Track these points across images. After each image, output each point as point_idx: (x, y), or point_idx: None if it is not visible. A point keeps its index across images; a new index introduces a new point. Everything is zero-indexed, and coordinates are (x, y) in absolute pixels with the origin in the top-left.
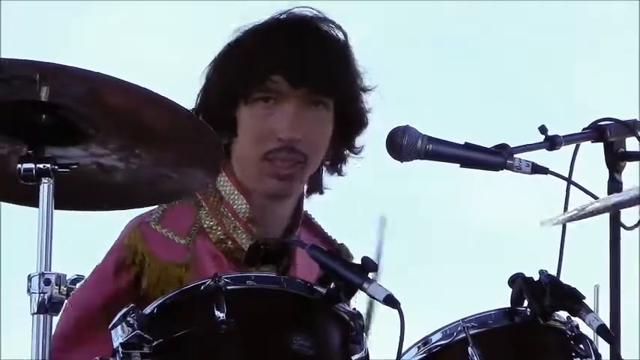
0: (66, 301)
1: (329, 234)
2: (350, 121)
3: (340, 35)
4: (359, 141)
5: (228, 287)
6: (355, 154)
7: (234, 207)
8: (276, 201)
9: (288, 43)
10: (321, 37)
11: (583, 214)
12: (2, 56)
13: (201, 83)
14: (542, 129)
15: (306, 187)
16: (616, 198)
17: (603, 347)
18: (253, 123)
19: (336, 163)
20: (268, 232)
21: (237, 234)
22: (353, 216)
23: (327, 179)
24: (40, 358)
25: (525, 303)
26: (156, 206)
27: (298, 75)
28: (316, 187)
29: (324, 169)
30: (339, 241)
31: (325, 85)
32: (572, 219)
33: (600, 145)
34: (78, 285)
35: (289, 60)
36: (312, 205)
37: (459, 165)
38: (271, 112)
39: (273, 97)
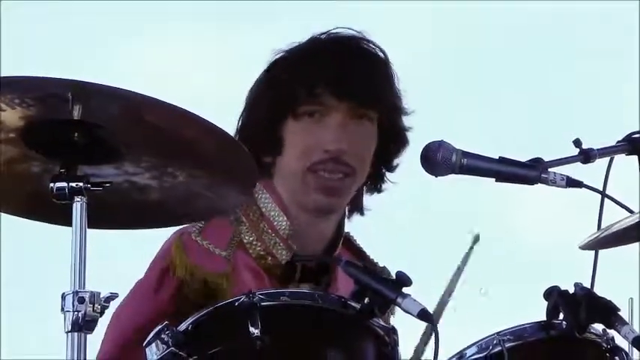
0: (108, 320)
1: (371, 256)
2: (392, 139)
3: (382, 54)
4: (397, 160)
5: (263, 303)
6: (391, 172)
7: (275, 223)
8: (321, 217)
9: (334, 57)
10: (365, 52)
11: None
12: (37, 74)
13: (244, 102)
14: (577, 142)
15: (347, 208)
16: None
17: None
18: (299, 137)
19: (375, 182)
20: (308, 250)
21: (277, 250)
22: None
23: (367, 200)
24: None
25: (561, 316)
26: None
27: (344, 87)
28: (357, 207)
29: (364, 189)
30: (381, 264)
31: (370, 98)
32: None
33: (635, 158)
34: (111, 303)
35: (335, 73)
36: (353, 226)
37: (493, 179)
38: (317, 125)
39: (319, 110)
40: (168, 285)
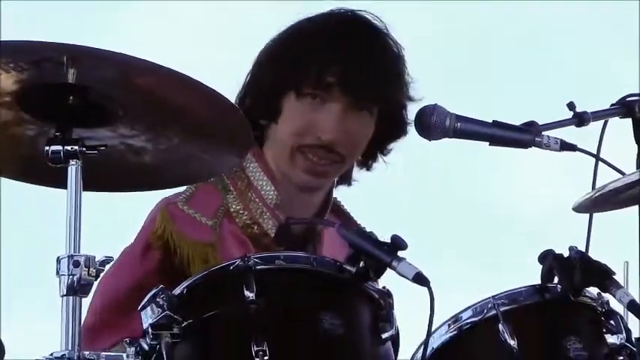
0: (95, 284)
1: (358, 222)
2: (391, 129)
3: (395, 44)
4: (392, 145)
5: (258, 267)
6: (385, 155)
7: (262, 193)
8: (306, 192)
9: (348, 47)
10: (382, 47)
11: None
12: (32, 38)
13: (252, 63)
14: (571, 105)
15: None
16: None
17: (634, 323)
18: (297, 115)
19: (367, 161)
20: (302, 217)
21: (264, 219)
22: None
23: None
24: (70, 339)
25: (556, 279)
26: (183, 188)
27: (352, 81)
28: (345, 179)
29: (355, 163)
30: (368, 229)
31: (375, 95)
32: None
33: (629, 121)
34: (107, 267)
35: (346, 65)
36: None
37: (487, 143)
38: (317, 110)
39: (321, 95)
40: (154, 253)
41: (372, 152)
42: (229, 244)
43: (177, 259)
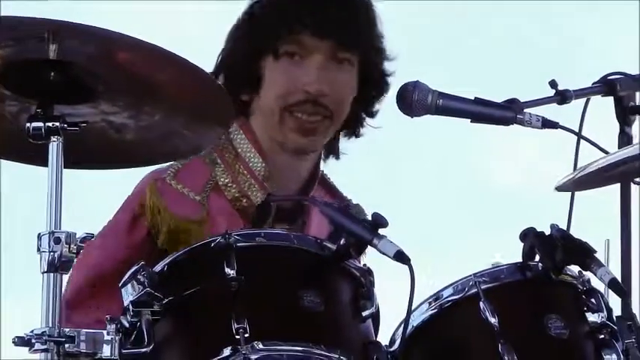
0: (75, 259)
1: (344, 194)
2: (372, 84)
3: None
4: (377, 106)
5: (239, 244)
6: (372, 117)
7: (250, 165)
8: (297, 157)
9: None
10: None
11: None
12: (14, 14)
13: (224, 41)
14: (553, 83)
15: (322, 151)
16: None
17: (615, 301)
18: (279, 77)
19: (353, 127)
20: (284, 191)
21: (252, 192)
22: (365, 174)
23: (344, 144)
24: (51, 316)
25: (537, 257)
26: (170, 163)
27: (324, 26)
28: (333, 151)
29: (342, 133)
30: (354, 201)
31: (351, 39)
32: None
33: (611, 100)
34: (88, 242)
35: (316, 13)
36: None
37: (469, 120)
38: (297, 67)
39: (299, 52)
40: (141, 227)
41: (357, 115)
42: (218, 219)
43: (161, 237)
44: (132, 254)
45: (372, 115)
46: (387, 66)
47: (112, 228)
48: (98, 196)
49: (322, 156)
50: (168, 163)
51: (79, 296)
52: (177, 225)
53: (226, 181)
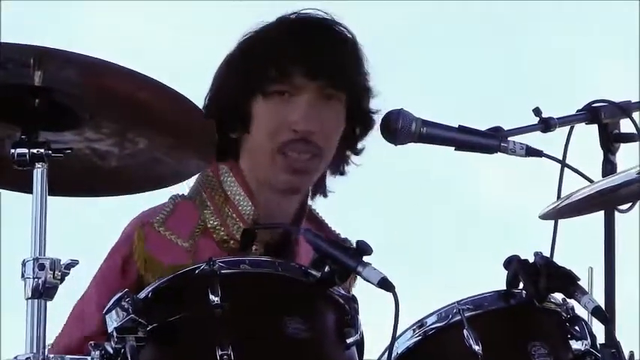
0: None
1: (333, 228)
2: (358, 121)
3: (347, 31)
4: (362, 143)
5: (223, 271)
6: (357, 155)
7: (239, 208)
8: (286, 196)
9: (304, 37)
10: (335, 34)
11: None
12: None
13: (212, 79)
14: (537, 111)
15: (310, 189)
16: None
17: (598, 328)
18: (269, 116)
19: (339, 164)
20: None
21: (240, 234)
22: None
23: (330, 181)
24: (35, 342)
25: (521, 285)
26: (161, 204)
27: (314, 67)
28: (320, 189)
29: (328, 170)
30: (342, 236)
31: (339, 78)
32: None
33: (595, 127)
34: (71, 270)
35: (306, 53)
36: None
37: (453, 148)
38: (287, 105)
39: (288, 90)
40: (132, 272)
41: (343, 152)
42: None
43: (148, 281)
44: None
45: (357, 152)
46: (373, 103)
47: (104, 273)
48: (83, 223)
49: (310, 193)
50: (159, 205)
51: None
52: (164, 273)
53: (215, 223)
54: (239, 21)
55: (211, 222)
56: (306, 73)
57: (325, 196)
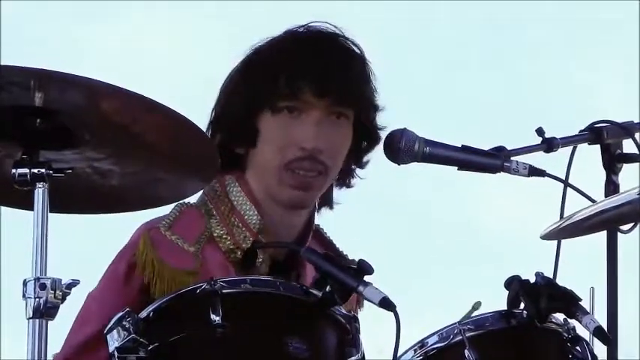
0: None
1: (340, 249)
2: (365, 137)
3: (356, 46)
4: (367, 157)
5: (224, 291)
6: (362, 168)
7: (245, 217)
8: (293, 211)
9: (314, 53)
10: (344, 50)
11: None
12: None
13: (219, 92)
14: (540, 131)
15: (316, 203)
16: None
17: (600, 349)
18: (277, 132)
19: (345, 178)
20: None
21: (247, 244)
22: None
23: (336, 194)
24: None
25: (522, 305)
26: (167, 212)
27: (325, 86)
28: (326, 201)
29: (334, 183)
30: (350, 257)
31: (349, 96)
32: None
33: (597, 148)
34: (72, 290)
35: (317, 71)
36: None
37: (456, 168)
38: (295, 122)
39: (297, 106)
40: (136, 278)
41: (349, 166)
42: (212, 271)
43: (155, 288)
44: (130, 304)
45: (362, 166)
46: (379, 118)
47: (108, 279)
48: (84, 242)
49: (316, 208)
50: (164, 213)
51: (81, 354)
52: (171, 276)
53: (221, 232)
54: (244, 39)
55: (217, 231)
56: (317, 91)
57: (331, 208)
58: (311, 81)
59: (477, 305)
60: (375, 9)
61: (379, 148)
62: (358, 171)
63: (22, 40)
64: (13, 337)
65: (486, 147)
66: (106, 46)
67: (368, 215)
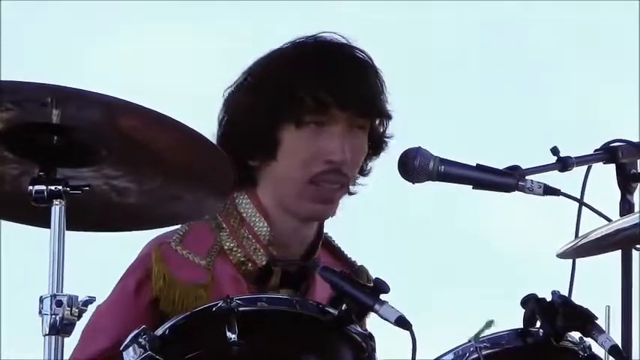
0: (83, 326)
1: (349, 256)
2: (374, 145)
3: (366, 55)
4: (371, 164)
5: (240, 309)
6: (365, 176)
7: (255, 229)
8: (306, 224)
9: (335, 66)
10: (360, 61)
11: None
12: (17, 79)
13: (230, 103)
14: (554, 150)
15: None
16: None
17: None
18: (302, 146)
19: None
20: (290, 254)
21: (257, 256)
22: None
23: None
24: None
25: (538, 324)
26: (177, 227)
27: (347, 98)
28: None
29: None
30: (358, 263)
31: (369, 109)
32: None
33: (612, 167)
34: (89, 307)
35: (340, 84)
36: (332, 228)
37: (471, 187)
38: (320, 135)
39: (322, 120)
40: (147, 292)
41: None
42: (224, 284)
43: (166, 303)
44: (140, 319)
45: (366, 173)
46: (390, 128)
47: (119, 294)
48: (100, 259)
49: None
50: (174, 227)
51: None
52: (183, 290)
53: (232, 245)
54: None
55: (228, 244)
56: (341, 104)
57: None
58: (336, 95)
59: (490, 323)
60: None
61: (392, 165)
62: (361, 179)
63: (38, 55)
64: (30, 355)
65: (501, 166)
66: (105, 62)
67: (380, 231)
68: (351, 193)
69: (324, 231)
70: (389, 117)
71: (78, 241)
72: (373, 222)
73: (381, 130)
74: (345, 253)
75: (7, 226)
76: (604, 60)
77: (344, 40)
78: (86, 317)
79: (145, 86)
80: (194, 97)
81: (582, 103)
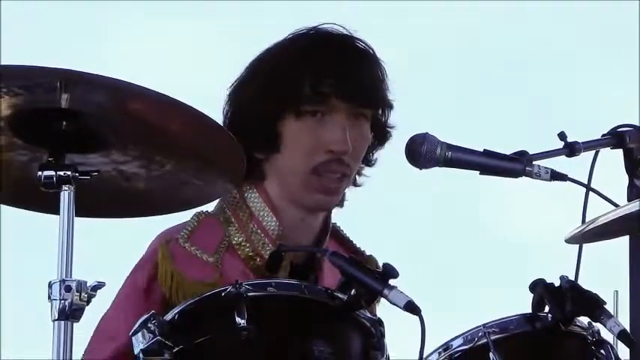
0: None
1: (357, 245)
2: (378, 135)
3: (367, 46)
4: (376, 154)
5: (249, 294)
6: (370, 166)
7: (264, 224)
8: (313, 213)
9: (335, 56)
10: (361, 51)
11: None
12: (26, 63)
13: (233, 96)
14: (562, 135)
15: None
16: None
17: (624, 352)
18: (303, 136)
19: (354, 176)
20: (298, 245)
21: (266, 251)
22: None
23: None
24: None
25: (546, 309)
26: (185, 221)
27: (348, 88)
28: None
29: None
30: (367, 253)
31: (371, 97)
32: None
33: (620, 152)
34: (97, 292)
35: (339, 73)
36: (340, 218)
37: (478, 172)
38: (321, 125)
39: (321, 110)
40: (157, 288)
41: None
42: (231, 280)
43: (174, 300)
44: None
45: (371, 164)
46: (392, 117)
47: (129, 293)
48: (109, 245)
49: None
50: (181, 219)
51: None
52: (191, 288)
53: (240, 240)
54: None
55: (236, 238)
56: (341, 94)
57: (342, 206)
58: (335, 84)
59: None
60: (393, 14)
61: (400, 152)
62: (366, 169)
63: (47, 40)
64: (38, 340)
65: (508, 151)
66: (130, 47)
67: (385, 220)
68: (356, 185)
69: (333, 222)
70: (390, 106)
71: (87, 226)
72: (381, 215)
73: (385, 119)
74: (354, 242)
75: (16, 212)
76: (611, 45)
77: (344, 31)
78: (95, 302)
79: (145, 85)
80: (194, 97)
81: (589, 87)
